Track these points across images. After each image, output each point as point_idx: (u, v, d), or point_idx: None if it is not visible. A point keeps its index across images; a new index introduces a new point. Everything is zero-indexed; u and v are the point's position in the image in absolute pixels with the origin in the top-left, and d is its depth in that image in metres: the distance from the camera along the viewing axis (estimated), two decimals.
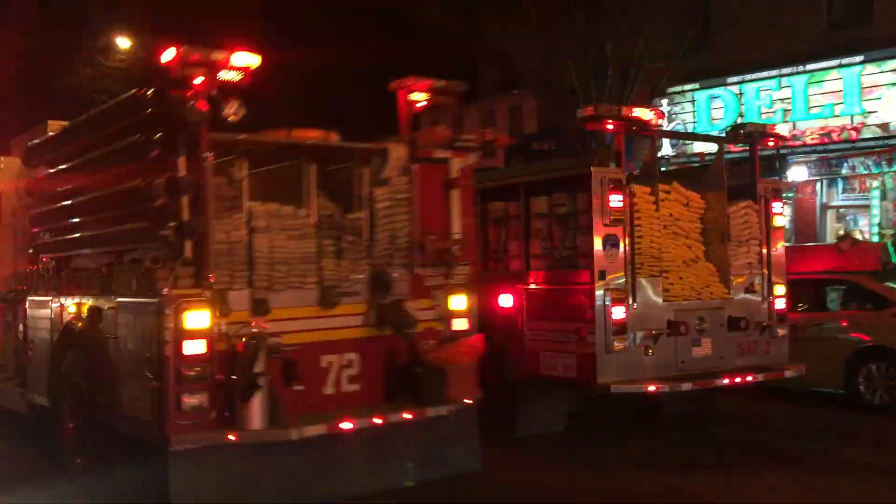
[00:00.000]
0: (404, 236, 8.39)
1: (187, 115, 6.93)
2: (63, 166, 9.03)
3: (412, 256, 8.45)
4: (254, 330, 7.21)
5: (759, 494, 8.83)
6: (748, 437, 11.33)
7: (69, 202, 8.89)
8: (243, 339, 7.14)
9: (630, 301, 10.03)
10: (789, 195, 26.63)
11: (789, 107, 25.17)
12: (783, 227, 11.77)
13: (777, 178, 10.97)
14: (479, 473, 8.94)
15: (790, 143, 25.24)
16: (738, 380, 10.79)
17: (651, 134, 10.93)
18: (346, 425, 7.55)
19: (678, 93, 27.85)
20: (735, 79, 26.52)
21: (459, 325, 8.65)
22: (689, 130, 27.23)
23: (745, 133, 11.64)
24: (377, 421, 7.75)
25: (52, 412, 8.97)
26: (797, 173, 25.77)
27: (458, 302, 8.66)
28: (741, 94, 26.39)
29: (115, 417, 7.74)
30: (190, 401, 7.06)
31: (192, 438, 7.05)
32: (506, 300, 11.00)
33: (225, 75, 7.17)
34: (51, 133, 9.47)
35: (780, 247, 11.51)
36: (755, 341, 11.22)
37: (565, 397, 11.23)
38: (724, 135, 14.18)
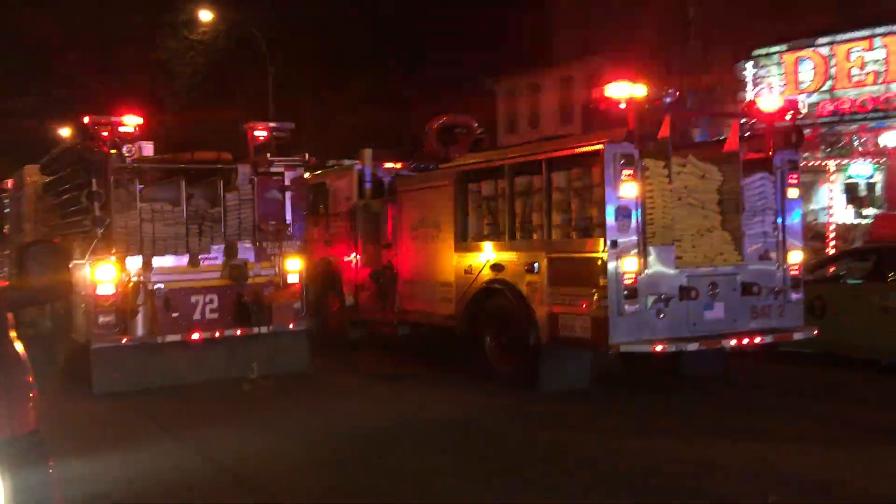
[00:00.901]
0: (249, 222, 15.71)
1: (95, 156, 14.61)
2: (50, 178, 17.17)
3: (256, 235, 15.88)
4: (138, 279, 14.91)
5: (859, 472, 9.46)
6: (833, 408, 12.61)
7: (55, 202, 16.97)
8: (131, 284, 14.90)
9: (641, 267, 12.24)
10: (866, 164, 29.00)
11: (882, 68, 28.06)
12: (798, 197, 13.79)
13: (793, 151, 13.84)
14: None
15: (882, 106, 28.04)
16: (745, 341, 12.68)
17: (664, 112, 13.10)
18: (194, 336, 14.96)
19: (764, 55, 30.95)
20: (825, 40, 29.37)
21: (292, 279, 15.92)
22: (777, 94, 29.10)
23: (760, 108, 13.74)
24: (217, 334, 15.15)
25: (52, 329, 17.31)
26: (889, 139, 28.45)
27: (291, 264, 15.95)
28: (832, 55, 29.34)
29: (73, 331, 15.70)
30: (104, 319, 14.67)
31: (103, 340, 14.61)
32: (531, 267, 13.47)
33: (123, 129, 15.04)
34: (51, 155, 17.60)
35: (795, 216, 13.60)
36: (769, 305, 13.10)
37: (587, 357, 13.47)
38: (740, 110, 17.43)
